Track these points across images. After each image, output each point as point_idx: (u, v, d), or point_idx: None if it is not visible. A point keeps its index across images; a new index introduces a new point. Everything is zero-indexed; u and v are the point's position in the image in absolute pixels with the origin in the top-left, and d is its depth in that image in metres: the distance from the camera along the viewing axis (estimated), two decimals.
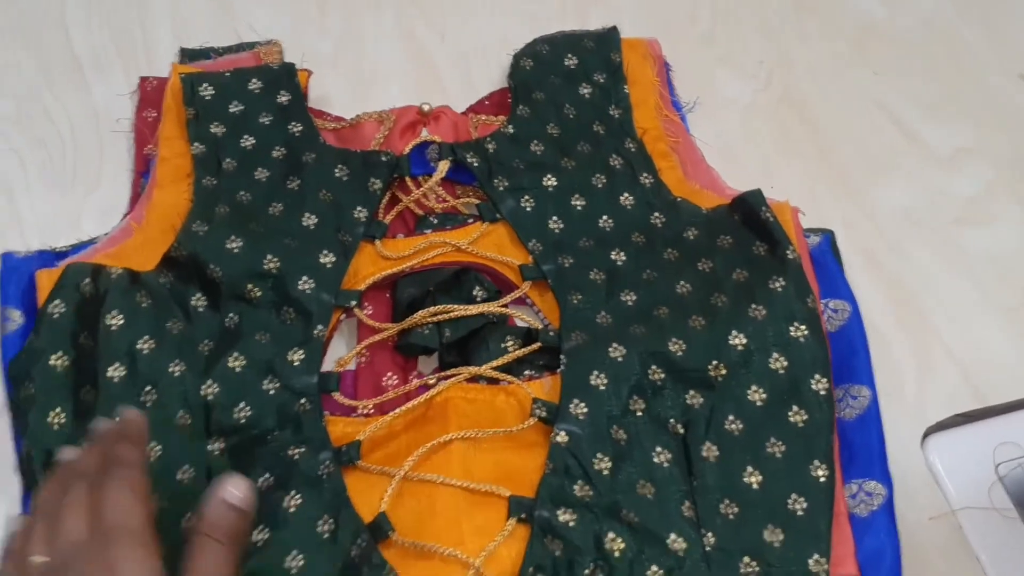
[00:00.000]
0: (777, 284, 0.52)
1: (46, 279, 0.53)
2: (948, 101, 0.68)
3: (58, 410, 0.49)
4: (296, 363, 0.53)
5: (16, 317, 0.53)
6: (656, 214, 0.59)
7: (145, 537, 0.40)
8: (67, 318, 0.51)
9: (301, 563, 0.46)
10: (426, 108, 0.62)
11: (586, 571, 0.46)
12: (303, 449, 0.49)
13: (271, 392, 0.52)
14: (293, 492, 0.48)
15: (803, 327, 0.51)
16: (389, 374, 0.55)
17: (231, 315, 0.54)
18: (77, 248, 0.57)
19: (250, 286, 0.55)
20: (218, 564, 0.40)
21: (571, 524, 0.47)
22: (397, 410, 0.52)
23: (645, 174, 0.60)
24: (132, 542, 0.40)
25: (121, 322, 0.52)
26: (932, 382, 0.56)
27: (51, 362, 0.50)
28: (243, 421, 0.51)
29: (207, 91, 0.62)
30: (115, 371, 0.51)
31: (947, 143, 0.66)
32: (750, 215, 0.56)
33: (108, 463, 0.42)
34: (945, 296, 0.59)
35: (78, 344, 0.51)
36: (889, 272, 0.60)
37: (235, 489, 0.42)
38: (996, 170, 0.65)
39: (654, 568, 0.46)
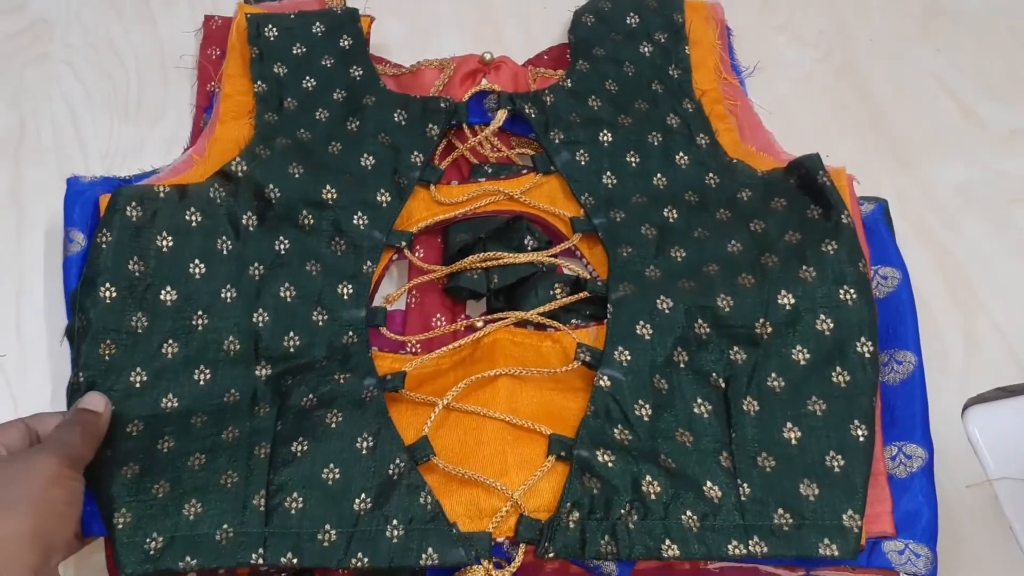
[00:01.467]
0: (829, 247, 0.52)
1: (107, 204, 0.54)
2: (1009, 81, 0.67)
3: (108, 341, 0.50)
4: (345, 296, 0.54)
5: (79, 239, 0.55)
6: (711, 174, 0.59)
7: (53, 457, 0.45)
8: (115, 246, 0.52)
9: (337, 476, 0.47)
10: (487, 57, 0.63)
11: (622, 510, 0.47)
12: (349, 375, 0.51)
13: (320, 323, 0.53)
14: (335, 410, 0.49)
15: (852, 290, 0.51)
16: (438, 315, 0.56)
17: (281, 239, 0.55)
18: (140, 177, 0.58)
19: (305, 212, 0.56)
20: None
21: (610, 464, 0.48)
22: (444, 348, 0.53)
23: (702, 134, 0.61)
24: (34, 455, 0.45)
25: (171, 243, 0.54)
26: (978, 355, 0.56)
27: (101, 293, 0.51)
28: (292, 350, 0.52)
29: (271, 32, 0.63)
30: (167, 295, 0.52)
31: (1006, 123, 0.66)
32: (807, 178, 0.56)
33: (47, 438, 0.47)
34: (996, 272, 0.59)
35: (127, 272, 0.52)
36: (941, 245, 0.60)
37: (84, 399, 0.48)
38: None
39: (688, 513, 0.47)
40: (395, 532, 0.46)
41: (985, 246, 0.60)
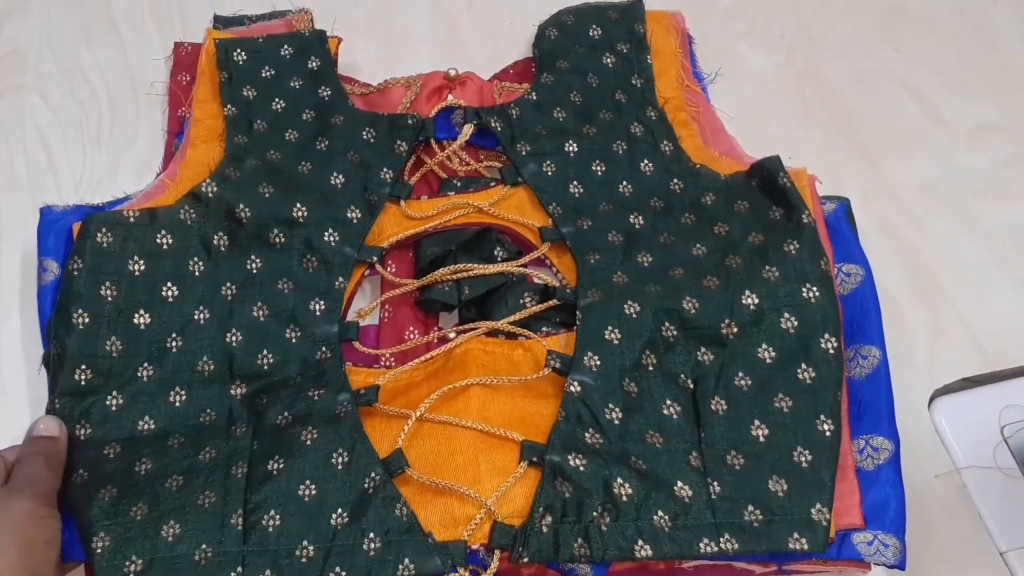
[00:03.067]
0: (791, 247, 0.53)
1: (79, 231, 0.55)
2: (969, 78, 0.68)
3: (83, 367, 0.51)
4: (318, 312, 0.54)
5: (53, 268, 0.55)
6: (675, 180, 0.60)
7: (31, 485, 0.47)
8: (86, 274, 0.53)
9: (313, 492, 0.48)
10: (452, 73, 0.64)
11: (594, 513, 0.47)
12: (323, 391, 0.51)
13: (293, 340, 0.54)
14: (310, 427, 0.50)
15: (815, 288, 0.52)
16: (411, 329, 0.57)
17: (253, 258, 0.56)
18: (112, 204, 0.59)
19: (276, 231, 0.56)
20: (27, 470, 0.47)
21: (581, 468, 0.48)
22: (417, 360, 0.53)
23: (665, 141, 0.62)
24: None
25: (143, 267, 0.54)
26: (943, 348, 0.57)
27: (74, 320, 0.52)
28: (266, 367, 0.53)
29: (240, 56, 0.64)
30: (141, 318, 0.53)
31: (967, 119, 0.67)
32: (767, 180, 0.57)
33: (14, 475, 0.48)
34: (960, 266, 0.60)
35: (100, 297, 0.53)
36: (906, 241, 0.61)
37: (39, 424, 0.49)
38: (1015, 146, 0.65)
39: (660, 513, 0.48)
40: (372, 545, 0.46)
41: (949, 241, 0.61)
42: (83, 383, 0.51)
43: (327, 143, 0.61)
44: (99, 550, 0.46)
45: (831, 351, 0.51)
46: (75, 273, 0.53)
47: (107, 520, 0.47)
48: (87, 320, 0.52)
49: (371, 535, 0.46)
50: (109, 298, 0.53)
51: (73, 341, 0.51)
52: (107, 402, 0.51)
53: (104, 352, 0.52)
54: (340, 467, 0.48)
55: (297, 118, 0.62)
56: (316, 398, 0.51)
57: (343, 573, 0.45)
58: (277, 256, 0.56)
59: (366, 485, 0.48)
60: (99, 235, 0.54)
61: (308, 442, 0.49)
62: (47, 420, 0.50)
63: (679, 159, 0.61)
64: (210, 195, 0.57)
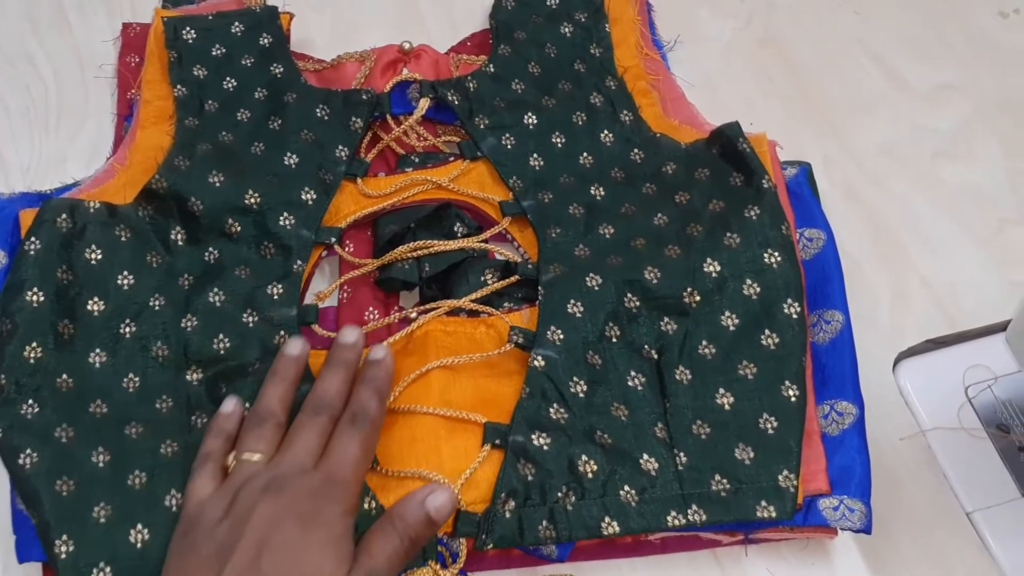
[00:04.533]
0: (752, 213, 0.53)
1: (28, 219, 0.53)
2: (929, 39, 0.68)
3: (34, 344, 0.49)
4: (276, 296, 0.53)
5: (0, 257, 0.54)
6: (636, 150, 0.59)
7: (356, 498, 0.44)
8: (43, 254, 0.51)
9: None
10: (407, 46, 0.63)
11: (559, 494, 0.47)
12: None
13: (250, 324, 0.53)
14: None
15: (776, 254, 0.51)
16: (371, 309, 0.56)
17: (211, 250, 0.55)
18: (61, 190, 0.58)
19: (231, 220, 0.55)
20: (390, 555, 0.42)
21: (545, 448, 0.48)
22: (379, 345, 0.52)
23: (625, 111, 0.61)
24: (345, 496, 0.43)
25: (100, 257, 0.53)
26: (907, 310, 0.57)
27: (28, 297, 0.50)
28: (222, 352, 0.52)
29: (189, 34, 0.62)
30: (94, 305, 0.52)
31: (927, 80, 0.66)
32: (727, 147, 0.56)
33: (354, 407, 0.46)
34: (922, 227, 0.60)
35: (56, 279, 0.51)
36: (868, 205, 0.61)
37: (438, 499, 0.44)
38: (975, 106, 0.65)
39: (627, 488, 0.47)
40: None
41: (910, 202, 0.61)
42: (32, 361, 0.49)
43: (280, 122, 0.60)
44: (63, 556, 0.45)
45: (794, 316, 0.50)
46: (31, 252, 0.51)
47: (68, 521, 0.46)
48: (41, 299, 0.50)
49: None
50: (64, 281, 0.51)
51: (25, 318, 0.50)
52: (57, 383, 0.49)
53: (57, 332, 0.50)
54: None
55: (249, 97, 0.61)
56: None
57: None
58: (235, 246, 0.55)
59: None
60: (58, 220, 0.52)
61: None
62: (445, 494, 0.44)
63: (639, 129, 0.60)
64: (162, 191, 0.55)
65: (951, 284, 0.58)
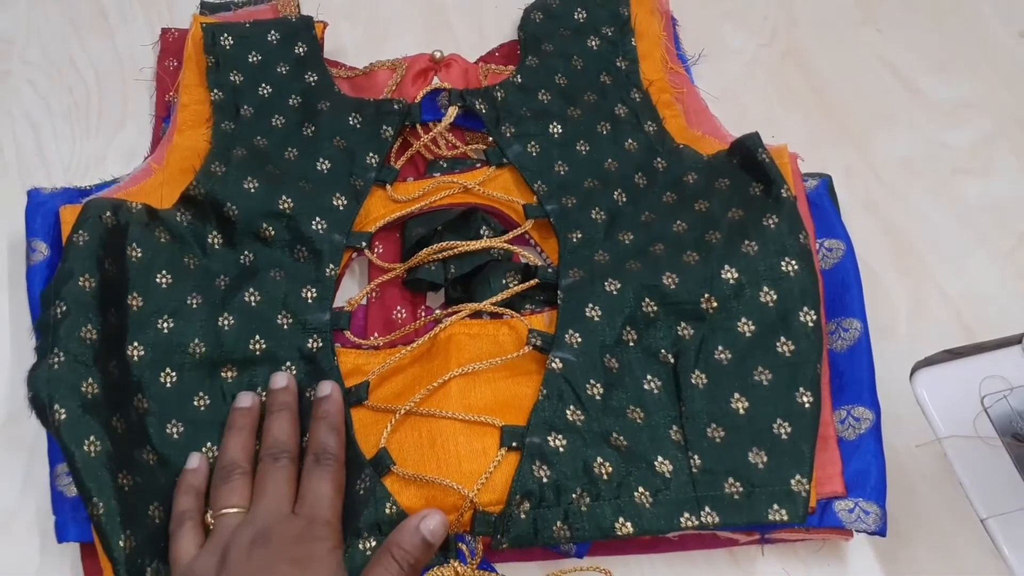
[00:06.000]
0: (770, 221, 0.53)
1: (69, 214, 0.55)
2: (950, 57, 0.69)
3: (88, 327, 0.50)
4: (310, 300, 0.55)
5: (42, 249, 0.56)
6: (658, 159, 0.60)
7: (339, 532, 0.46)
8: (92, 244, 0.52)
9: None
10: (437, 55, 0.64)
11: (573, 495, 0.48)
12: (316, 390, 0.51)
13: (285, 327, 0.54)
14: (305, 433, 0.50)
15: (794, 262, 0.52)
16: (399, 308, 0.58)
17: (246, 253, 0.57)
18: (100, 187, 0.60)
19: (265, 225, 0.57)
20: None
21: (561, 450, 0.49)
22: (404, 350, 0.54)
23: (649, 122, 0.62)
24: (329, 533, 0.45)
25: (140, 255, 0.55)
26: (925, 320, 0.58)
27: (80, 283, 0.51)
28: (258, 353, 0.53)
29: (227, 41, 0.64)
30: (133, 300, 0.53)
31: (948, 97, 0.67)
32: (747, 157, 0.57)
33: (314, 448, 0.48)
34: (941, 240, 0.61)
35: (103, 269, 0.52)
36: (887, 217, 0.62)
37: (431, 523, 0.45)
38: (994, 123, 0.66)
39: (641, 489, 0.48)
40: (367, 544, 0.47)
41: (930, 216, 0.62)
42: (88, 343, 0.49)
43: (313, 129, 0.61)
44: (127, 550, 0.46)
45: (810, 324, 0.51)
46: (79, 244, 0.52)
47: (130, 516, 0.46)
48: (93, 284, 0.51)
49: (365, 534, 0.47)
50: (109, 274, 0.53)
51: (79, 301, 0.50)
52: (110, 367, 0.50)
53: (106, 320, 0.51)
54: None
55: (283, 103, 0.63)
56: (311, 398, 0.51)
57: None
58: (268, 249, 0.57)
59: (357, 487, 0.48)
60: (103, 216, 0.54)
61: (304, 443, 0.50)
62: (436, 517, 0.45)
63: (663, 140, 0.61)
64: (199, 197, 0.57)
65: (969, 296, 0.58)
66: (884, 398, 0.52)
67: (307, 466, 0.48)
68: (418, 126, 0.63)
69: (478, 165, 0.61)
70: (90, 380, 0.48)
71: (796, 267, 0.52)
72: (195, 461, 0.49)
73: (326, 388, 0.51)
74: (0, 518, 0.52)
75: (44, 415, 0.48)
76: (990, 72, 0.68)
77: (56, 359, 0.48)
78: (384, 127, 0.61)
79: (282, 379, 0.52)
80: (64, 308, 0.50)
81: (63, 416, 0.47)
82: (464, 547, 0.48)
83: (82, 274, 0.51)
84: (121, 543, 0.46)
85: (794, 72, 0.69)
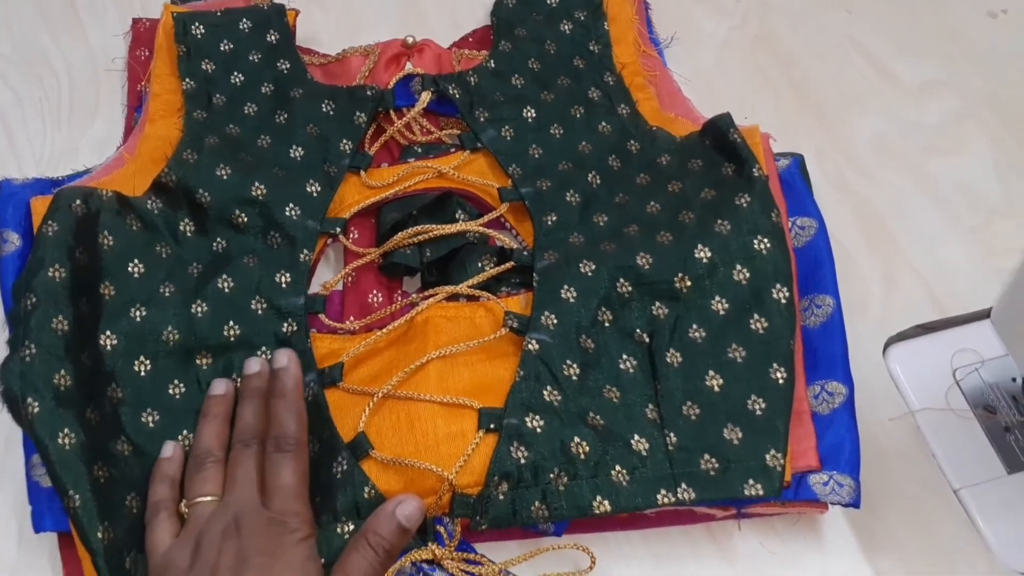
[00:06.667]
0: (743, 200, 0.54)
1: (40, 205, 0.55)
2: (919, 38, 0.69)
3: (60, 318, 0.50)
4: (284, 285, 0.55)
5: (14, 239, 0.55)
6: (632, 142, 0.61)
7: (308, 520, 0.46)
8: (62, 234, 0.52)
9: None
10: (410, 40, 0.64)
11: (551, 475, 0.48)
12: None
13: (259, 312, 0.54)
14: None
15: (766, 240, 0.53)
16: (375, 292, 0.58)
17: (219, 240, 0.56)
18: (72, 177, 0.59)
19: (238, 211, 0.57)
20: (366, 570, 0.44)
21: (538, 431, 0.49)
22: (379, 332, 0.54)
23: (623, 105, 0.62)
24: (298, 523, 0.45)
25: (112, 243, 0.54)
26: (897, 297, 0.59)
27: (50, 274, 0.51)
28: (232, 339, 0.53)
29: (198, 29, 0.64)
30: (106, 289, 0.53)
31: (917, 77, 0.68)
32: (719, 138, 0.57)
33: (275, 432, 0.48)
34: (911, 218, 0.61)
35: (74, 258, 0.52)
36: (859, 196, 0.62)
37: (407, 508, 0.45)
38: (964, 102, 0.66)
39: (618, 468, 0.48)
40: (345, 528, 0.47)
41: (900, 193, 0.62)
42: (59, 334, 0.49)
43: (286, 116, 0.61)
44: (105, 541, 0.46)
45: (783, 301, 0.52)
46: (49, 234, 0.52)
47: (108, 508, 0.47)
48: (63, 275, 0.51)
49: (343, 518, 0.47)
50: (80, 263, 0.52)
51: (48, 292, 0.50)
52: (82, 358, 0.50)
53: (77, 310, 0.51)
54: (312, 455, 0.49)
55: (256, 92, 0.62)
56: None
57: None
58: (241, 236, 0.57)
59: (335, 471, 0.48)
60: (73, 205, 0.54)
61: None
62: (412, 503, 0.46)
63: (636, 122, 0.62)
64: (171, 184, 0.57)
65: (940, 272, 0.59)
66: (858, 374, 0.52)
67: (268, 454, 0.47)
68: (392, 112, 0.62)
69: (452, 150, 0.61)
70: (63, 372, 0.48)
71: (768, 245, 0.53)
72: (169, 450, 0.49)
73: (282, 359, 0.50)
74: None
75: (16, 409, 0.47)
76: (960, 52, 0.69)
77: (28, 352, 0.48)
78: (357, 113, 0.61)
79: (255, 364, 0.51)
80: (35, 300, 0.50)
81: (36, 409, 0.47)
82: (442, 529, 0.48)
83: (52, 264, 0.51)
84: (99, 535, 0.46)
85: (766, 55, 0.69)
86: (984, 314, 0.53)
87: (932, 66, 0.68)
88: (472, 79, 0.63)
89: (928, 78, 0.68)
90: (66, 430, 0.47)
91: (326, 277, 0.59)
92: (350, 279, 0.58)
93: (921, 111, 0.66)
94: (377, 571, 0.44)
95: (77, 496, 0.46)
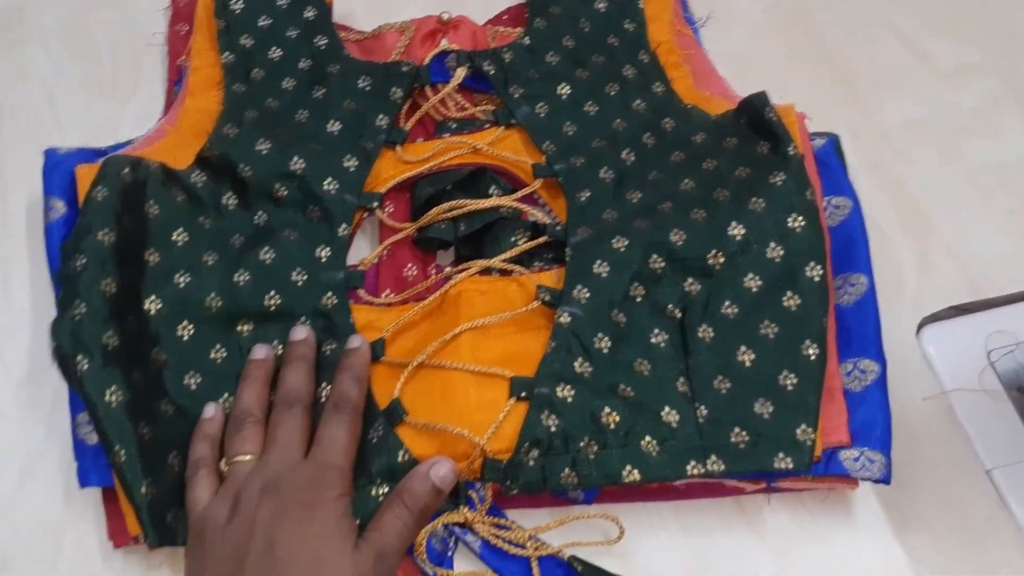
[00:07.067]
0: (777, 178, 0.54)
1: (85, 173, 0.56)
2: (956, 19, 0.69)
3: (108, 281, 0.51)
4: (323, 259, 0.56)
5: (59, 207, 0.57)
6: (667, 119, 0.61)
7: (349, 479, 0.47)
8: (110, 200, 0.54)
9: None
10: (445, 17, 0.65)
11: (581, 443, 0.48)
12: (333, 346, 0.52)
13: (299, 284, 0.55)
14: (323, 384, 0.51)
15: (801, 218, 0.52)
16: (409, 266, 0.58)
17: (260, 213, 0.57)
18: (115, 148, 0.60)
19: (278, 185, 0.58)
20: (399, 529, 0.45)
21: (569, 400, 0.49)
22: (416, 307, 0.54)
23: (657, 83, 0.62)
24: (339, 480, 0.46)
25: (157, 212, 0.55)
26: (932, 278, 0.58)
27: (99, 237, 0.52)
28: (272, 309, 0.54)
29: (237, 4, 0.65)
30: (150, 256, 0.54)
31: (954, 59, 0.67)
32: (755, 116, 0.57)
33: (335, 396, 0.49)
34: (947, 199, 0.61)
35: (121, 224, 0.53)
36: (894, 177, 0.62)
37: (441, 470, 0.46)
38: (1000, 85, 0.66)
39: (648, 438, 0.49)
40: (379, 491, 0.48)
41: (936, 175, 0.62)
42: (107, 296, 0.51)
43: (323, 91, 0.62)
44: (149, 497, 0.47)
45: (816, 279, 0.52)
46: (98, 199, 0.53)
47: (151, 466, 0.48)
48: (113, 239, 0.52)
49: (378, 481, 0.48)
50: (127, 229, 0.54)
51: (98, 255, 0.52)
52: (128, 321, 0.51)
53: (123, 274, 0.52)
54: None
55: (294, 67, 0.63)
56: (328, 353, 0.52)
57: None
58: (282, 210, 0.57)
59: (371, 436, 0.49)
60: (122, 172, 0.55)
61: (322, 398, 0.50)
62: (445, 464, 0.47)
63: (671, 100, 0.62)
64: (214, 159, 0.58)
65: (974, 254, 0.59)
66: (891, 354, 0.52)
67: (326, 413, 0.49)
68: (427, 88, 0.63)
69: (487, 126, 0.62)
70: (110, 332, 0.50)
71: (803, 223, 0.52)
72: (211, 411, 0.50)
73: (356, 341, 0.51)
74: (25, 464, 0.54)
75: (66, 366, 0.49)
76: (997, 34, 0.68)
77: (78, 311, 0.50)
78: (393, 89, 0.62)
79: (302, 332, 0.52)
80: (84, 261, 0.51)
81: (85, 367, 0.49)
82: (474, 494, 0.49)
83: (101, 228, 0.52)
84: (143, 490, 0.47)
85: (801, 34, 0.69)
86: (1020, 296, 0.53)
87: (969, 48, 0.68)
88: (507, 56, 0.63)
89: (965, 60, 0.67)
90: (113, 387, 0.49)
91: (362, 249, 0.59)
92: (386, 253, 0.58)
93: (958, 93, 0.66)
94: (411, 530, 0.45)
95: (123, 452, 0.47)
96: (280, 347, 0.53)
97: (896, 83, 0.66)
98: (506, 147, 0.60)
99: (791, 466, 0.48)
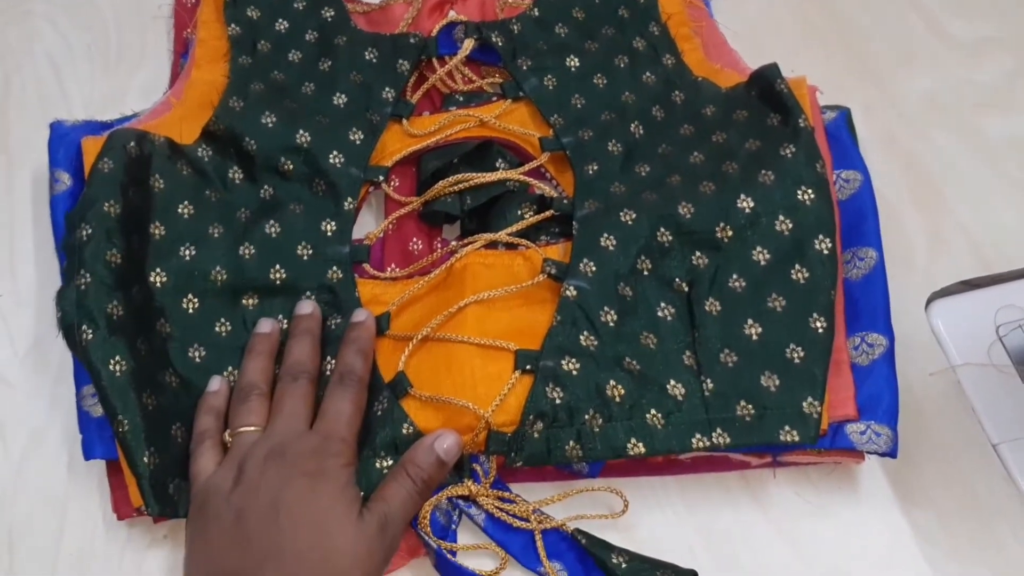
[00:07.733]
0: (787, 151, 0.53)
1: (92, 145, 0.56)
2: None
3: (113, 251, 0.51)
4: (329, 233, 0.55)
5: (64, 179, 0.57)
6: (676, 92, 0.60)
7: (353, 450, 0.47)
8: (116, 172, 0.54)
9: None
10: None
11: (586, 416, 0.48)
12: (339, 320, 0.52)
13: (305, 258, 0.55)
14: (328, 357, 0.51)
15: (810, 191, 0.52)
16: (415, 240, 0.58)
17: (266, 187, 0.57)
18: (120, 121, 0.60)
19: (283, 159, 0.57)
20: (403, 499, 0.46)
21: (574, 373, 0.49)
22: (421, 280, 0.54)
23: (668, 55, 0.62)
24: (343, 450, 0.46)
25: (163, 185, 0.55)
26: (942, 253, 0.58)
27: (104, 208, 0.52)
28: (278, 283, 0.54)
29: None
30: (156, 229, 0.54)
31: (971, 33, 0.66)
32: (765, 88, 0.57)
33: (341, 369, 0.49)
34: (960, 175, 0.60)
35: (127, 196, 0.53)
36: (907, 151, 0.61)
37: (446, 442, 0.47)
38: (1016, 60, 0.65)
39: (653, 411, 0.49)
40: (383, 463, 0.48)
41: (950, 150, 0.61)
42: (112, 266, 0.51)
43: (330, 64, 0.62)
44: (151, 467, 0.48)
45: (825, 252, 0.51)
46: (104, 170, 0.53)
47: (154, 435, 0.48)
48: (118, 210, 0.53)
49: (382, 453, 0.48)
50: (132, 201, 0.54)
51: (104, 225, 0.51)
52: (132, 292, 0.51)
53: (128, 245, 0.52)
54: None
55: (300, 39, 0.63)
56: (333, 327, 0.52)
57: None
58: (288, 183, 0.57)
59: (375, 409, 0.49)
60: (128, 145, 0.55)
61: (327, 372, 0.50)
62: (450, 437, 0.47)
63: (681, 72, 0.61)
64: (219, 133, 0.58)
65: (986, 229, 0.58)
66: (899, 329, 0.52)
67: (331, 385, 0.49)
68: (434, 60, 0.62)
69: (494, 99, 0.61)
70: (115, 302, 0.50)
71: (812, 196, 0.52)
72: (216, 383, 0.50)
73: (361, 315, 0.52)
74: (30, 437, 0.54)
75: (71, 335, 0.49)
76: (1014, 8, 0.67)
77: (83, 280, 0.50)
78: (400, 61, 0.61)
79: (307, 306, 0.53)
80: (89, 231, 0.51)
81: (90, 336, 0.49)
82: (478, 467, 0.48)
83: (106, 200, 0.52)
84: (145, 459, 0.47)
85: (814, 7, 0.68)
86: None
87: (986, 23, 0.66)
88: (515, 27, 0.62)
89: (982, 35, 0.66)
90: (118, 357, 0.49)
91: (367, 222, 0.59)
92: (391, 227, 0.58)
93: (974, 68, 0.65)
94: (415, 500, 0.45)
95: (126, 421, 0.47)
96: (285, 321, 0.53)
97: (911, 57, 0.65)
98: (513, 120, 0.60)
99: (797, 439, 0.48)
